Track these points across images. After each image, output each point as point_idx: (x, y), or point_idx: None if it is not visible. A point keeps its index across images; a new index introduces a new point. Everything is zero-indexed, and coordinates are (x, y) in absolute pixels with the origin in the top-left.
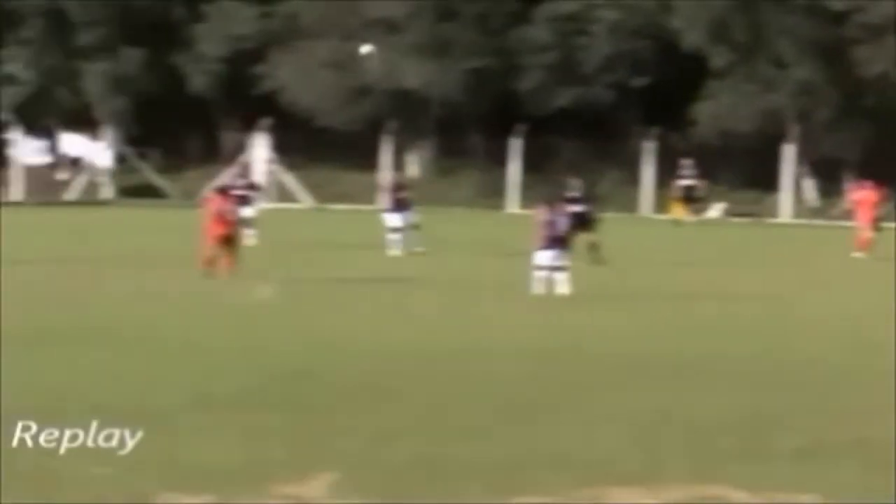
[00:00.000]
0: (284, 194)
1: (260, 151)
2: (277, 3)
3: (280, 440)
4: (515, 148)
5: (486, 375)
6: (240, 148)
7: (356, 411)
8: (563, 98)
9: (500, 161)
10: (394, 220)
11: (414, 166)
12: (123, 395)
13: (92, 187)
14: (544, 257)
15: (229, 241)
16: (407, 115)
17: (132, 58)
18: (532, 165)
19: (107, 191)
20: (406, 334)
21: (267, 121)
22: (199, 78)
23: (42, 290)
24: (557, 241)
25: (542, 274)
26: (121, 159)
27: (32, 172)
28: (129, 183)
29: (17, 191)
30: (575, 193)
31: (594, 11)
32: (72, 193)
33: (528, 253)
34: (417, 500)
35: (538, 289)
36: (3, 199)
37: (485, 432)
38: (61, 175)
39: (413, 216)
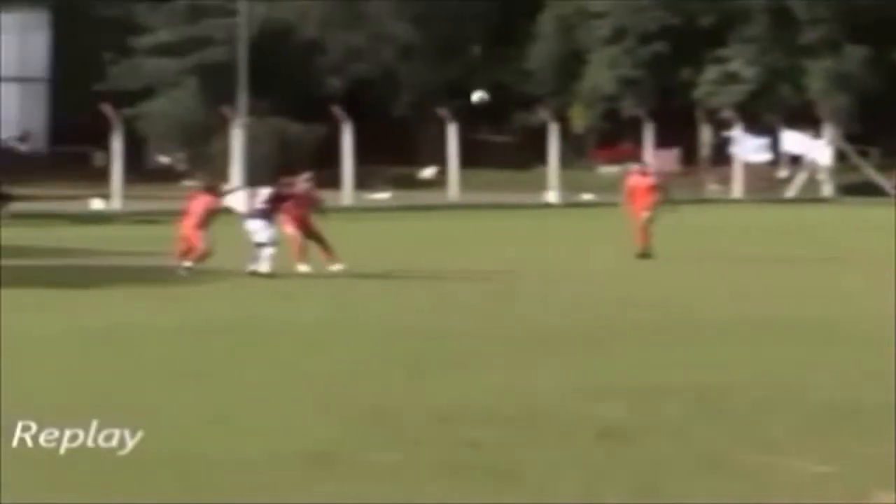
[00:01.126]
0: None
1: None
2: None
3: None
4: None
5: None
6: None
7: None
8: None
9: None
10: None
11: None
12: (839, 390)
13: (812, 185)
14: None
15: None
16: None
17: (855, 56)
18: None
19: (827, 189)
20: None
21: None
22: None
23: (759, 286)
24: None
25: None
26: (841, 157)
27: (752, 170)
28: (849, 181)
29: (737, 188)
30: None
31: None
32: (791, 191)
33: None
34: None
35: None
36: (726, 197)
37: None
38: (781, 173)
39: None
